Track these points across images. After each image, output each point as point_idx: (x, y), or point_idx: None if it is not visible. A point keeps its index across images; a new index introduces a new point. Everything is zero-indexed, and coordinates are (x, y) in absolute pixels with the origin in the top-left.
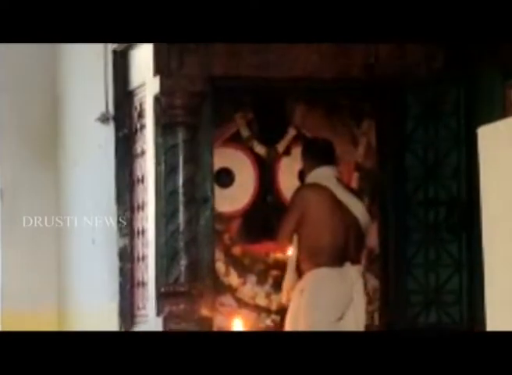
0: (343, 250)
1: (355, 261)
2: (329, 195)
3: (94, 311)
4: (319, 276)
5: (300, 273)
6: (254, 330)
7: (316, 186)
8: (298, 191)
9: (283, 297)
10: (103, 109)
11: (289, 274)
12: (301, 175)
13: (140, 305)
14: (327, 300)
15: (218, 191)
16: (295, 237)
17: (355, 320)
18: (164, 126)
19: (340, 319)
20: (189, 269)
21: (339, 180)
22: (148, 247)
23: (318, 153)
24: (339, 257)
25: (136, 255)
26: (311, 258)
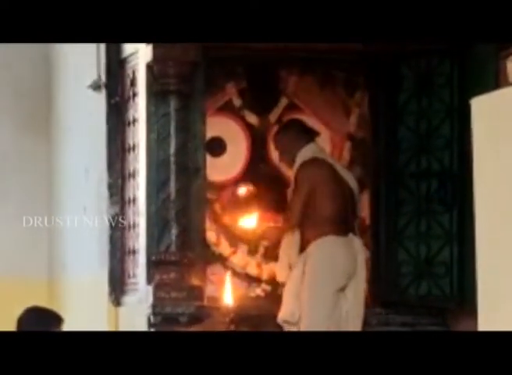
0: (346, 220)
1: (356, 232)
2: (329, 167)
3: (85, 279)
4: (326, 243)
5: (303, 245)
6: (244, 299)
7: (317, 159)
8: (302, 168)
9: (280, 275)
10: (95, 77)
11: (293, 249)
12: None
13: (131, 273)
14: (332, 267)
15: (209, 159)
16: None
17: (355, 293)
18: (156, 95)
19: (342, 290)
20: (180, 237)
21: (330, 152)
22: (139, 215)
23: (299, 133)
24: (344, 227)
25: (126, 223)
26: (316, 227)
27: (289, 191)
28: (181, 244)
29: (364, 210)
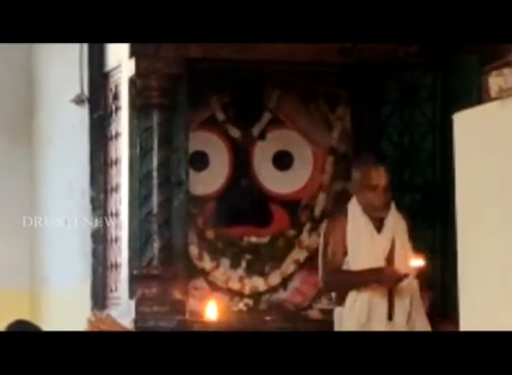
0: None
1: None
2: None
3: (67, 292)
4: None
5: None
6: (226, 313)
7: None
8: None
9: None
10: (78, 91)
11: None
12: (276, 160)
13: (113, 288)
14: None
15: (192, 174)
16: None
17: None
18: (139, 109)
19: None
20: (162, 252)
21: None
22: (122, 229)
23: None
24: None
25: (109, 237)
26: None
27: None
28: (163, 259)
29: None
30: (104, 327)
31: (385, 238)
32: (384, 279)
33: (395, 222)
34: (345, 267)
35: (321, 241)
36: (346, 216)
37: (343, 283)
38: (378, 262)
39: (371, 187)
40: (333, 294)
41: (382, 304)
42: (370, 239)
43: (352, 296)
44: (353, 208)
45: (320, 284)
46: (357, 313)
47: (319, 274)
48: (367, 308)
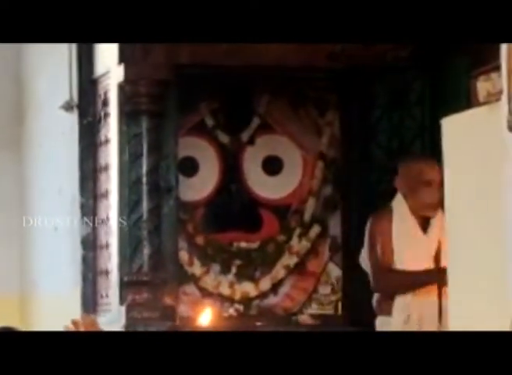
0: None
1: None
2: None
3: (57, 299)
4: None
5: None
6: (216, 319)
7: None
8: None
9: None
10: (67, 97)
11: None
12: (266, 165)
13: (103, 294)
14: None
15: (182, 179)
16: None
17: None
18: (128, 115)
19: None
20: (152, 258)
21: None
22: (111, 235)
23: None
24: None
25: (99, 244)
26: None
27: None
28: (153, 265)
29: (336, 229)
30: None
31: (431, 238)
32: (439, 281)
33: (443, 221)
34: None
35: (367, 239)
36: (391, 213)
37: (396, 283)
38: (425, 263)
39: (426, 183)
40: (375, 303)
41: (433, 306)
42: (415, 240)
43: (402, 299)
44: (399, 205)
45: (371, 284)
46: (408, 316)
47: (370, 275)
48: (419, 311)
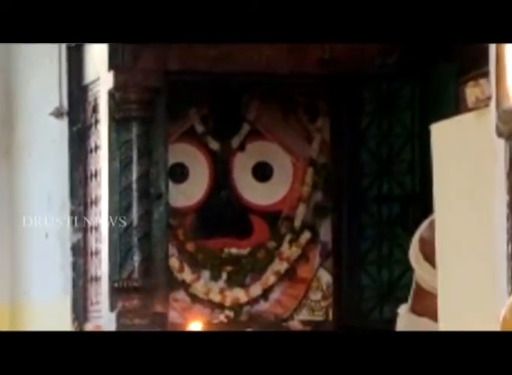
0: None
1: None
2: None
3: (47, 306)
4: None
5: None
6: (207, 325)
7: None
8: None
9: None
10: (57, 104)
11: None
12: (256, 172)
13: (94, 301)
14: None
15: (172, 186)
16: None
17: None
18: (118, 121)
19: None
20: (142, 264)
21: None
22: (102, 242)
23: None
24: None
25: (89, 250)
26: None
27: None
28: (144, 271)
29: (327, 235)
30: None
31: None
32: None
33: None
34: None
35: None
36: None
37: None
38: None
39: None
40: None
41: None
42: None
43: None
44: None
45: None
46: None
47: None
48: None
